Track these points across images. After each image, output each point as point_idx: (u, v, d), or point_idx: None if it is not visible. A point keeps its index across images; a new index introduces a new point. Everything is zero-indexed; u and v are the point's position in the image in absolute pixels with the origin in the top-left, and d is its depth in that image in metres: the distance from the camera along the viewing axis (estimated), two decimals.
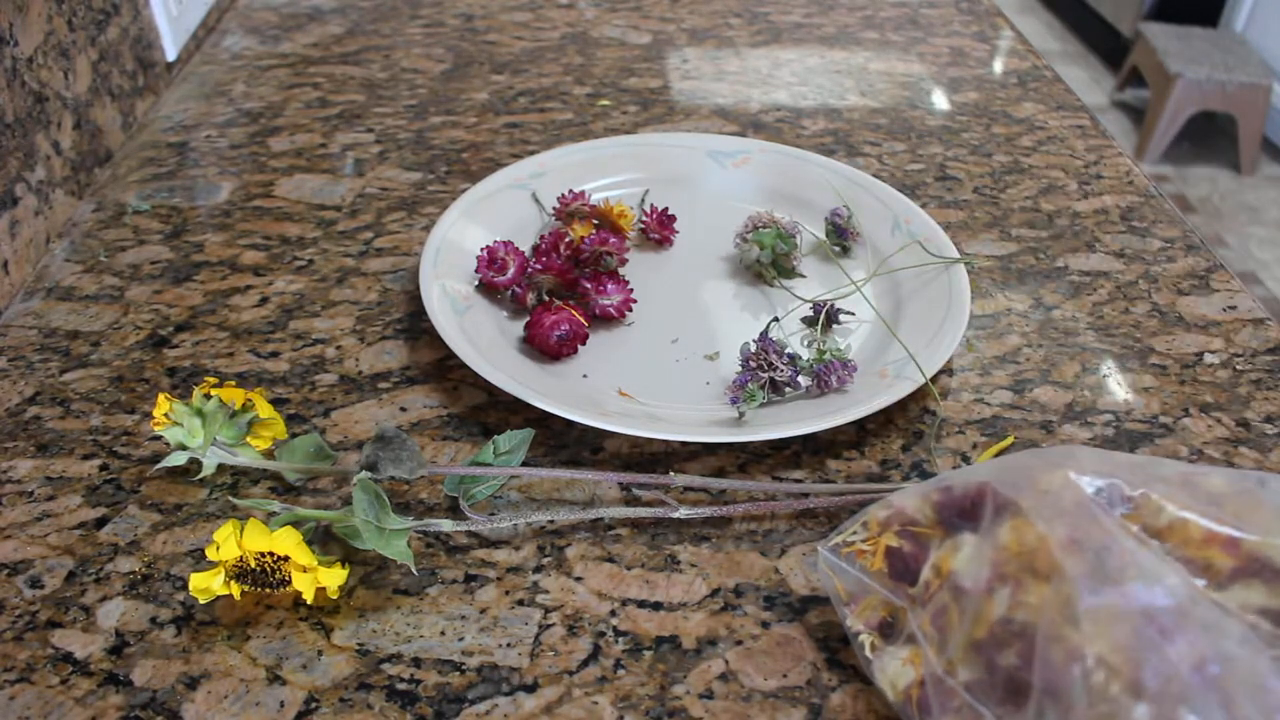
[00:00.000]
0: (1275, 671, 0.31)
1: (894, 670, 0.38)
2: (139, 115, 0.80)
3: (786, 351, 0.54)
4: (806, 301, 0.61)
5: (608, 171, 0.71)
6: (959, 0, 1.07)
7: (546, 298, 0.59)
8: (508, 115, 0.82)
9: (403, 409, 0.54)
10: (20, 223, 0.63)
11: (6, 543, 0.46)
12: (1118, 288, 0.65)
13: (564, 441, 0.52)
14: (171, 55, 0.86)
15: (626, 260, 0.63)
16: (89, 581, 0.44)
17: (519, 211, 0.67)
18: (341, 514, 0.43)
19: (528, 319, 0.57)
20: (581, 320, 0.56)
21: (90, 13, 0.72)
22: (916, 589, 0.38)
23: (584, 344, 0.57)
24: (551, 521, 0.48)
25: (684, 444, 0.52)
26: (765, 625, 0.44)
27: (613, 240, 0.61)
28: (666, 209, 0.66)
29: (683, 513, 0.47)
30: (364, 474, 0.43)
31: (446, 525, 0.45)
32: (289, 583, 0.41)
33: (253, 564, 0.41)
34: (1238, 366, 0.59)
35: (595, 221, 0.65)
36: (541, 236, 0.63)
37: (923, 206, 0.71)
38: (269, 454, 0.49)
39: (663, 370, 0.56)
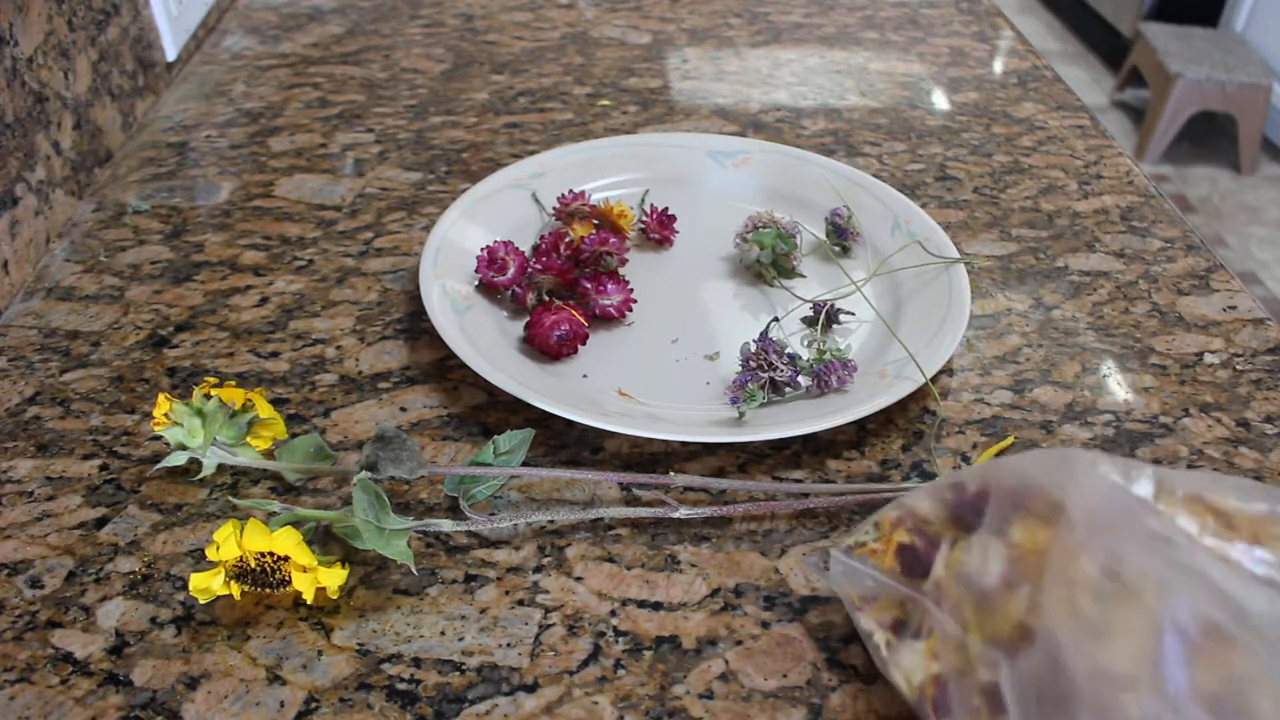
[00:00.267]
0: None
1: (910, 664, 0.38)
2: (139, 115, 0.80)
3: (786, 351, 0.54)
4: (806, 301, 0.61)
5: (608, 171, 0.71)
6: (959, 0, 1.07)
7: (546, 298, 0.59)
8: (508, 115, 0.82)
9: (403, 409, 0.54)
10: (20, 223, 0.63)
11: (6, 543, 0.46)
12: (1118, 288, 0.65)
13: (564, 441, 0.52)
14: (171, 55, 0.86)
15: (626, 260, 0.63)
16: (89, 581, 0.44)
17: (519, 211, 0.67)
18: (341, 514, 0.43)
19: (528, 319, 0.57)
20: (581, 320, 0.56)
21: (90, 13, 0.72)
22: (929, 584, 0.38)
23: (584, 344, 0.57)
24: (551, 521, 0.48)
25: (684, 444, 0.52)
26: (765, 625, 0.44)
27: (613, 240, 0.61)
28: (666, 209, 0.66)
29: (683, 513, 0.47)
30: (364, 474, 0.43)
31: (446, 525, 0.45)
32: (289, 583, 0.41)
33: (253, 564, 0.41)
34: (1238, 366, 0.59)
35: (595, 221, 0.65)
36: (541, 236, 0.63)
37: (923, 206, 0.71)
38: (269, 454, 0.49)
39: (663, 370, 0.56)
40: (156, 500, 0.48)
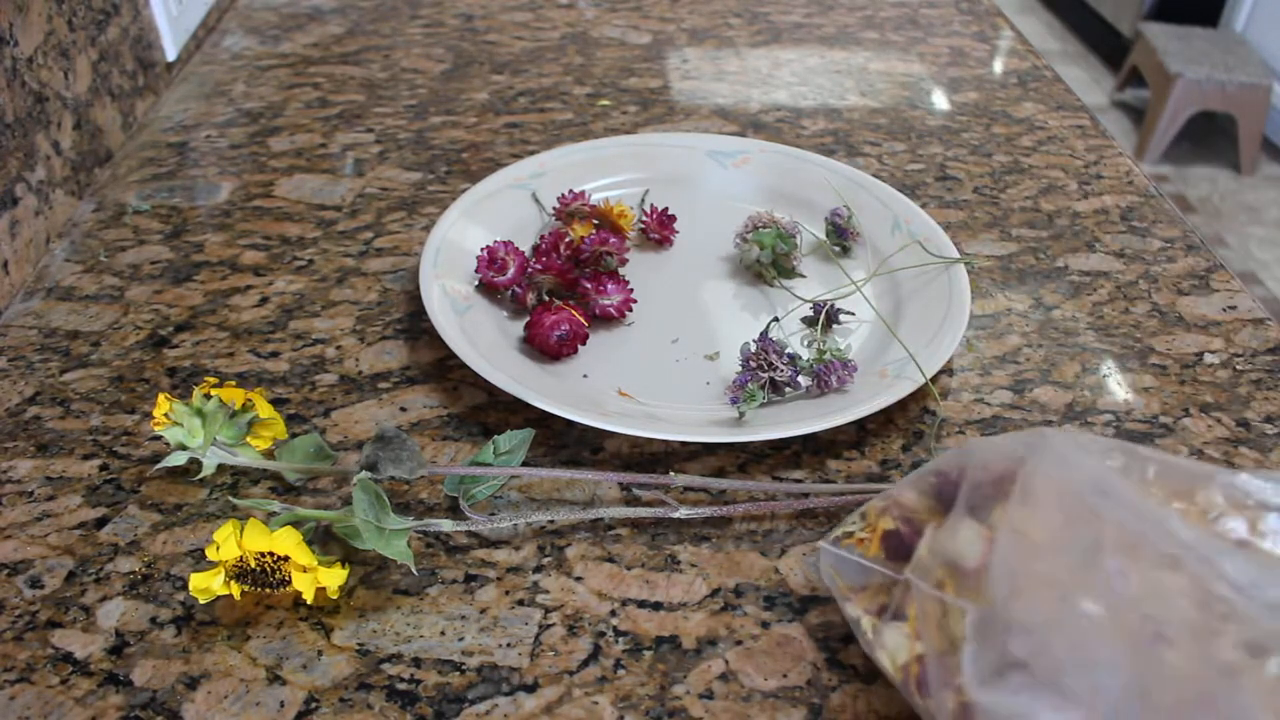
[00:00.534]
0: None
1: (894, 644, 0.38)
2: (139, 115, 0.80)
3: (786, 351, 0.54)
4: (806, 301, 0.61)
5: (608, 171, 0.71)
6: (959, 0, 1.07)
7: (546, 298, 0.59)
8: (508, 115, 0.82)
9: (403, 409, 0.54)
10: (20, 223, 0.63)
11: (6, 543, 0.46)
12: (1118, 288, 0.65)
13: (564, 441, 0.52)
14: (171, 55, 0.86)
15: (626, 260, 0.63)
16: (89, 581, 0.44)
17: (519, 211, 0.67)
18: (341, 514, 0.43)
19: (528, 319, 0.57)
20: (581, 320, 0.56)
21: (90, 13, 0.72)
22: (912, 564, 0.39)
23: (584, 344, 0.57)
24: (551, 521, 0.48)
25: (684, 444, 0.52)
26: (765, 625, 0.44)
27: (613, 240, 0.61)
28: (666, 209, 0.66)
29: (683, 513, 0.47)
30: (364, 474, 0.43)
31: (446, 525, 0.45)
32: (289, 583, 0.41)
33: (253, 564, 0.41)
34: (1238, 366, 0.59)
35: (595, 221, 0.65)
36: (541, 236, 0.63)
37: (923, 206, 0.71)
38: (269, 454, 0.49)
39: (663, 370, 0.56)
40: (156, 500, 0.48)
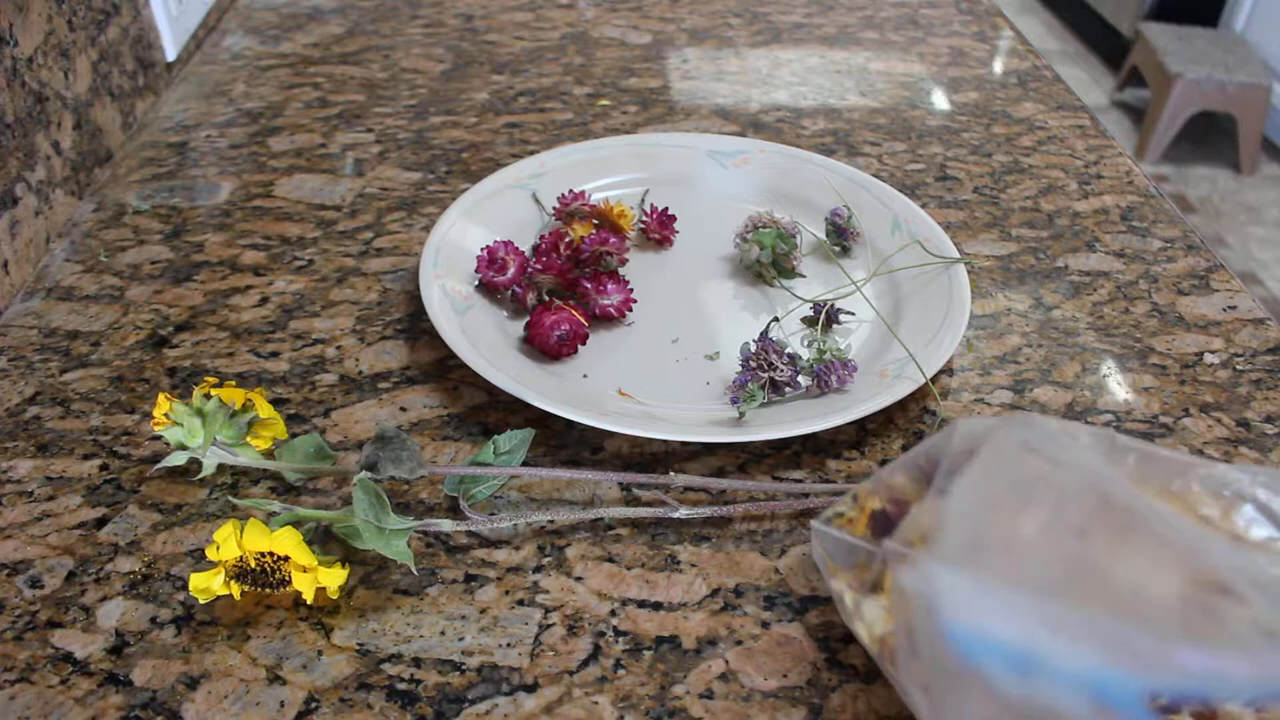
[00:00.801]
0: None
1: (872, 616, 0.39)
2: (139, 115, 0.80)
3: (786, 351, 0.54)
4: (806, 301, 0.61)
5: (608, 171, 0.71)
6: (959, 0, 1.07)
7: (546, 298, 0.59)
8: (508, 115, 0.82)
9: (403, 409, 0.54)
10: (20, 223, 0.63)
11: (6, 543, 0.46)
12: (1118, 288, 0.65)
13: (564, 441, 0.52)
14: (171, 55, 0.86)
15: (626, 260, 0.63)
16: (89, 581, 0.44)
17: (519, 211, 0.67)
18: (341, 514, 0.43)
19: (528, 319, 0.57)
20: (581, 320, 0.56)
21: (90, 13, 0.72)
22: (894, 538, 0.39)
23: (584, 344, 0.57)
24: (551, 521, 0.48)
25: (684, 444, 0.52)
26: (765, 625, 0.44)
27: (613, 240, 0.61)
28: (666, 209, 0.66)
29: (683, 513, 0.47)
30: (364, 474, 0.43)
31: (446, 525, 0.45)
32: (289, 583, 0.41)
33: (253, 564, 0.41)
34: (1238, 366, 0.59)
35: (595, 221, 0.65)
36: (541, 236, 0.63)
37: (923, 206, 0.71)
38: (269, 454, 0.49)
39: (663, 370, 0.56)
40: (156, 500, 0.48)
